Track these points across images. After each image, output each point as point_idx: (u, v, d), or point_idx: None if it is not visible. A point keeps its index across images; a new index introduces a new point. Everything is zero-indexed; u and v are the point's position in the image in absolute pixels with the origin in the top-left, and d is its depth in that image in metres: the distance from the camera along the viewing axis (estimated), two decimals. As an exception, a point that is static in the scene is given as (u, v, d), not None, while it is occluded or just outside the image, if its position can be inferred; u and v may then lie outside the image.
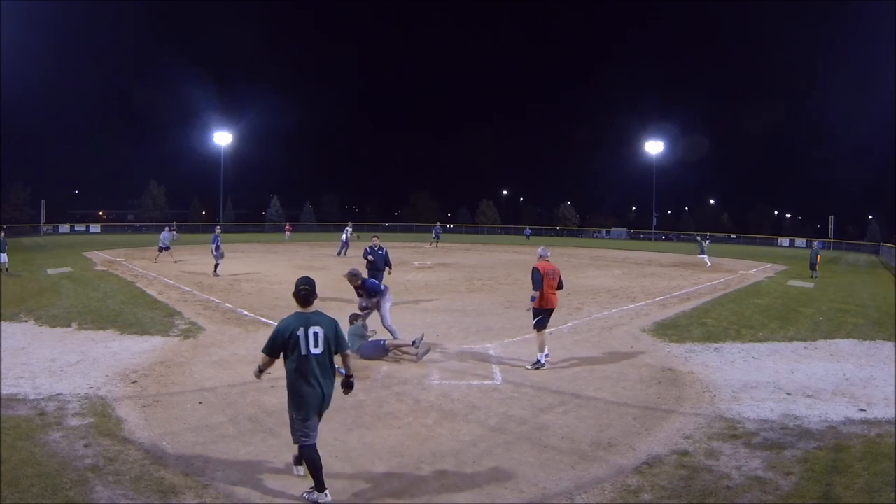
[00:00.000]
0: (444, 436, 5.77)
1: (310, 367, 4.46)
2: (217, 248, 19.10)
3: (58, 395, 6.65)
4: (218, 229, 20.93)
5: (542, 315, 8.28)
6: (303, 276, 4.74)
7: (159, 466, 4.91)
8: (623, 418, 6.32)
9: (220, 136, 64.07)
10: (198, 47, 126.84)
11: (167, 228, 26.43)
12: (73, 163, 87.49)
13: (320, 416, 4.59)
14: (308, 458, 4.47)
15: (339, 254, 27.93)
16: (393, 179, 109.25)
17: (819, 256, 23.16)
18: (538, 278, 8.19)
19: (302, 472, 4.74)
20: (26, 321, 10.90)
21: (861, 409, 6.57)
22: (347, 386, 4.89)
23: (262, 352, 4.57)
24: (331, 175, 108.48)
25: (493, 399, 6.90)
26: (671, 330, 11.01)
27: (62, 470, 4.74)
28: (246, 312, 12.17)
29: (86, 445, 5.25)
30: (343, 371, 4.89)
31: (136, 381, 7.31)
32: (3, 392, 6.68)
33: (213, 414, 6.25)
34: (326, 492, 4.43)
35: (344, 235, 29.08)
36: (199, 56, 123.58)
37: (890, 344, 10.06)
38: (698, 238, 31.81)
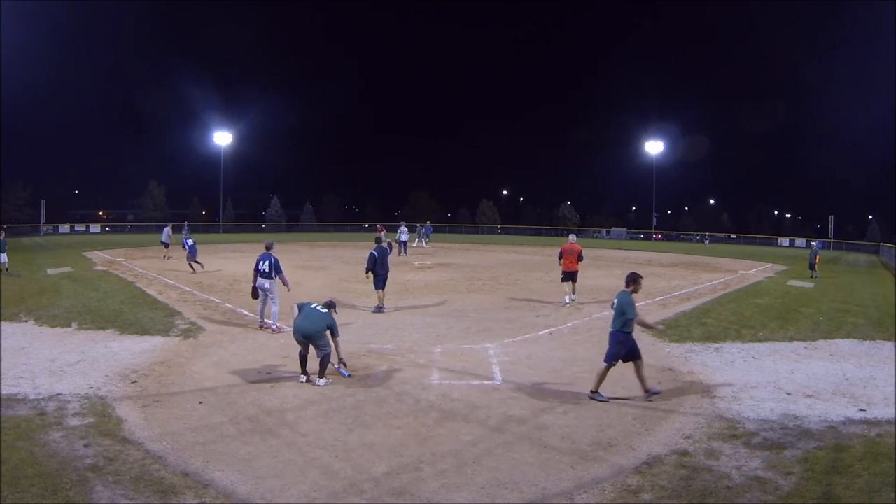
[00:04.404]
0: (444, 436, 5.77)
1: (316, 315, 7.50)
2: (184, 244, 19.43)
3: (58, 395, 6.66)
4: (185, 224, 21.06)
5: (563, 275, 13.92)
6: (329, 299, 8.18)
7: (159, 466, 4.91)
8: (623, 418, 6.32)
9: (220, 136, 63.98)
10: (198, 47, 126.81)
11: (170, 225, 26.69)
12: (73, 163, 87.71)
13: (306, 344, 7.44)
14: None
15: (400, 254, 28.11)
16: (393, 179, 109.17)
17: (818, 257, 23.16)
18: (560, 255, 13.90)
19: (322, 383, 7.35)
20: (26, 321, 10.90)
21: (861, 409, 6.57)
22: (340, 364, 7.86)
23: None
24: (331, 175, 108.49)
25: (493, 399, 6.90)
26: (671, 330, 11.00)
27: (62, 470, 4.74)
28: (246, 312, 12.18)
29: (86, 445, 5.25)
30: (345, 372, 7.81)
31: (136, 381, 7.31)
32: (3, 392, 6.68)
33: (213, 414, 6.25)
34: (302, 377, 7.45)
35: (403, 236, 29.41)
36: (199, 56, 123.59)
37: (890, 344, 10.06)
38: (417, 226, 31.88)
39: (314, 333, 7.33)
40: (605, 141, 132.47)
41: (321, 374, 7.40)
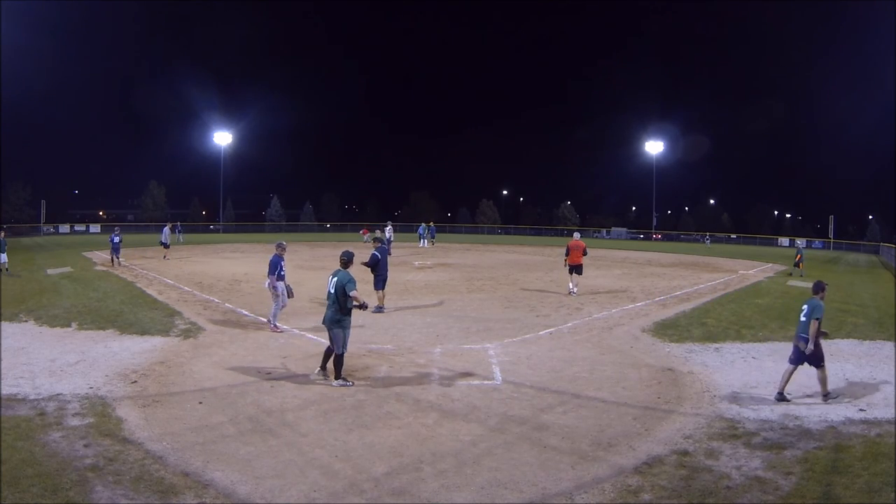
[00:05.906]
0: (444, 436, 5.77)
1: (330, 299, 7.43)
2: (111, 239, 21.60)
3: (58, 395, 6.66)
4: (178, 224, 22.70)
5: (570, 268, 15.77)
6: (346, 249, 8.04)
7: (159, 466, 4.91)
8: (623, 418, 6.32)
9: (220, 136, 64.01)
10: (198, 47, 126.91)
11: (169, 226, 27.17)
12: (73, 163, 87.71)
13: (330, 329, 7.33)
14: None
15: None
16: (393, 179, 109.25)
17: (799, 255, 24.09)
18: (567, 250, 15.85)
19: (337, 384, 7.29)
20: (26, 321, 10.90)
21: (861, 409, 6.58)
22: (360, 307, 7.45)
23: None
24: (331, 175, 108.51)
25: (493, 399, 6.90)
26: (671, 330, 11.01)
27: (62, 470, 4.74)
28: (246, 312, 12.17)
29: (86, 445, 5.25)
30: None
31: (136, 381, 7.31)
32: (3, 392, 6.68)
33: (213, 414, 6.25)
34: (317, 370, 7.63)
35: (389, 235, 29.41)
36: (199, 56, 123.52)
37: (890, 344, 10.06)
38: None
39: (330, 319, 7.30)
40: (605, 141, 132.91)
41: (336, 375, 7.36)
